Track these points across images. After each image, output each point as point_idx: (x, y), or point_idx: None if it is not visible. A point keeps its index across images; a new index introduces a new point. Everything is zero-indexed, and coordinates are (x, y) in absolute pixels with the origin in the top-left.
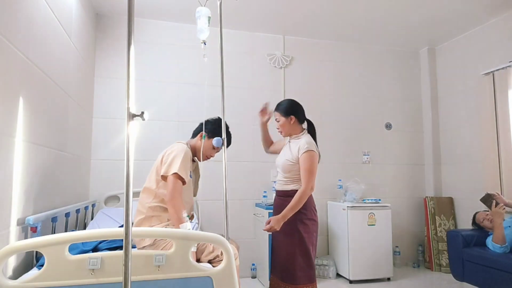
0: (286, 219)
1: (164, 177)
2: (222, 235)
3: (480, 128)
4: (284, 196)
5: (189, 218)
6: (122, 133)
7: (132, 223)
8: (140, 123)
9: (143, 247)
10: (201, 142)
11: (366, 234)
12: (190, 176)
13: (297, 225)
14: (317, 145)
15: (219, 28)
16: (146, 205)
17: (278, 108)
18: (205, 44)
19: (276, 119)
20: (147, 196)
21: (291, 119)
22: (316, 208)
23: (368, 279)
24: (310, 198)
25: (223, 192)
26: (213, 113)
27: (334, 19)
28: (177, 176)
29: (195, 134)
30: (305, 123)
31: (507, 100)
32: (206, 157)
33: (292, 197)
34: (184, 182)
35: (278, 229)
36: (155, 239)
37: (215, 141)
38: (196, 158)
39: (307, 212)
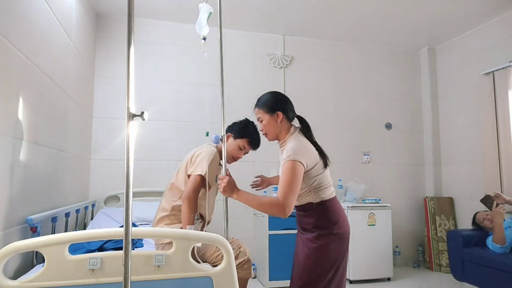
0: (238, 199)
1: (189, 176)
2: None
3: (480, 128)
4: (298, 211)
5: (204, 222)
6: (122, 133)
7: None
8: (140, 123)
9: (162, 244)
10: (227, 143)
11: (366, 234)
12: (216, 181)
13: (315, 245)
14: (319, 146)
15: (219, 28)
16: (171, 202)
17: (259, 103)
18: (205, 40)
19: (258, 119)
20: (173, 194)
21: (277, 116)
22: None
23: (368, 279)
24: (340, 207)
25: None
26: (213, 113)
27: (334, 19)
28: (200, 177)
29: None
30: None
31: (507, 100)
32: (233, 159)
33: (307, 212)
34: (207, 186)
35: (224, 194)
36: None
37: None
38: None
39: (337, 226)
